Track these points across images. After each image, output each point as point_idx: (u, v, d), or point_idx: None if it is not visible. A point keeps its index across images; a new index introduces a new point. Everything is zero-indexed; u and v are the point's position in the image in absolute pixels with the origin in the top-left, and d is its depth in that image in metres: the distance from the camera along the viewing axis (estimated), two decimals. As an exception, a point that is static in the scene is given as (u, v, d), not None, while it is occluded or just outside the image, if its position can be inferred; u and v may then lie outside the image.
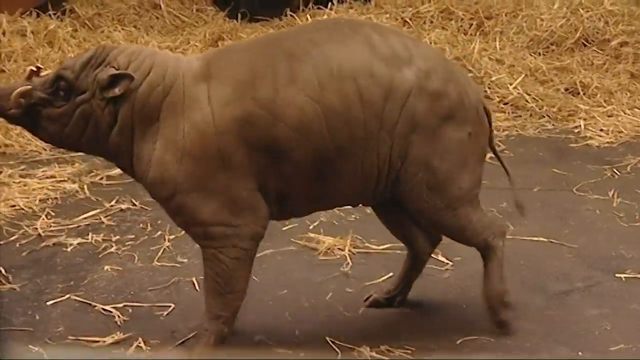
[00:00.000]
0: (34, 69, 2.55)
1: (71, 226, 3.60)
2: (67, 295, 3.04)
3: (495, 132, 4.49)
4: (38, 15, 5.82)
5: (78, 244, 3.44)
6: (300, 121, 2.40)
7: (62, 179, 4.07)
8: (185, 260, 3.29)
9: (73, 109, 2.46)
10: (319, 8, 6.33)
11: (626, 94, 5.01)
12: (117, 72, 2.41)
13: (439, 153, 2.52)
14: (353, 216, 3.63)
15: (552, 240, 3.37)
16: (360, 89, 2.42)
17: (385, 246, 3.32)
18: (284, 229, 3.50)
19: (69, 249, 3.40)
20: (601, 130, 4.61)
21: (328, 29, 2.54)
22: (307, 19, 6.02)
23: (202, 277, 3.12)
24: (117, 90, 2.41)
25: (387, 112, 2.45)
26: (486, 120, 2.69)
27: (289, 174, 2.47)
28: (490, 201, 3.72)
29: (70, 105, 2.46)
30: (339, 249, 3.33)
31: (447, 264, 3.19)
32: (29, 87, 2.45)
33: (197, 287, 3.07)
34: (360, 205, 2.75)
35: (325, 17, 6.00)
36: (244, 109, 2.41)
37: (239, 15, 6.62)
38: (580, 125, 4.66)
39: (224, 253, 2.49)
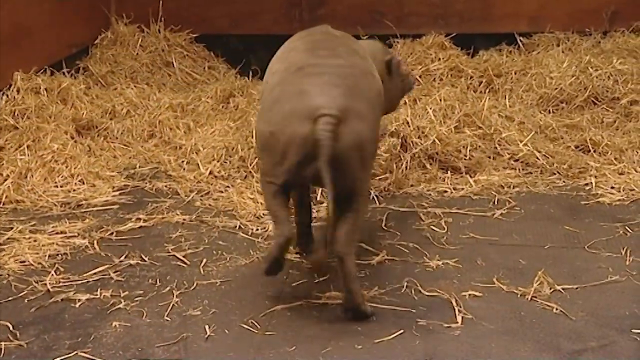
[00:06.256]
0: None
1: (80, 282, 3.59)
2: (75, 352, 3.01)
3: (505, 188, 4.54)
4: (52, 74, 5.88)
5: (87, 299, 3.42)
6: None
7: (72, 234, 4.07)
8: (197, 314, 3.26)
9: None
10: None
11: (637, 152, 4.98)
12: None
13: None
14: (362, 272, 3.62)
15: (565, 298, 3.32)
16: None
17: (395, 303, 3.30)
18: (293, 284, 3.49)
19: (77, 305, 3.39)
20: (612, 187, 4.58)
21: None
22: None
23: (210, 334, 3.10)
24: None
25: None
26: None
27: None
28: (502, 257, 3.70)
29: None
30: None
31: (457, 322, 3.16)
32: None
33: (205, 343, 3.04)
34: None
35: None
36: None
37: (250, 73, 6.70)
38: (591, 183, 4.64)
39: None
